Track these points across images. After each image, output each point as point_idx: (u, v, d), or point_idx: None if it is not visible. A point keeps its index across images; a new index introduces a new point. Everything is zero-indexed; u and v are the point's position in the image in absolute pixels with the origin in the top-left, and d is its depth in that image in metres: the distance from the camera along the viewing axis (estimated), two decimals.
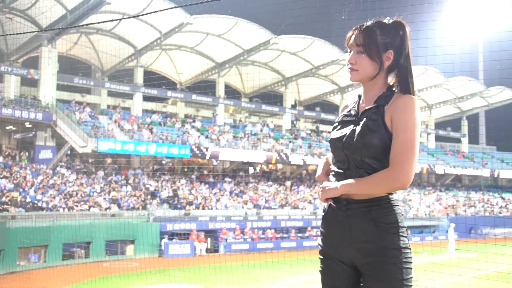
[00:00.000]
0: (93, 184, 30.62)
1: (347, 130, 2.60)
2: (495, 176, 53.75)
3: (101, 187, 30.59)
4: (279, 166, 43.76)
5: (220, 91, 42.42)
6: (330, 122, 50.11)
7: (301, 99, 50.80)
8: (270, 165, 43.07)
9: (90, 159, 33.39)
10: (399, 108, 2.49)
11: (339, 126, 2.68)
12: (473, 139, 62.77)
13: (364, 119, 2.56)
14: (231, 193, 35.54)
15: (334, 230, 2.61)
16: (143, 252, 25.95)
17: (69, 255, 24.44)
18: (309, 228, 32.81)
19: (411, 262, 2.50)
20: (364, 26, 2.61)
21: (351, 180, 2.49)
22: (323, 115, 48.81)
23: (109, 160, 34.07)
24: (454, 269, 19.27)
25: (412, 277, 2.50)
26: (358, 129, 2.55)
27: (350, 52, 2.65)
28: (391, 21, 2.62)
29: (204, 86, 42.21)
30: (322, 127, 50.18)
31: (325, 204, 2.66)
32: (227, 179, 37.86)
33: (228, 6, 33.94)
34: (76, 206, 27.39)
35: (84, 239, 24.59)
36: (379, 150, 2.50)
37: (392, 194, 2.56)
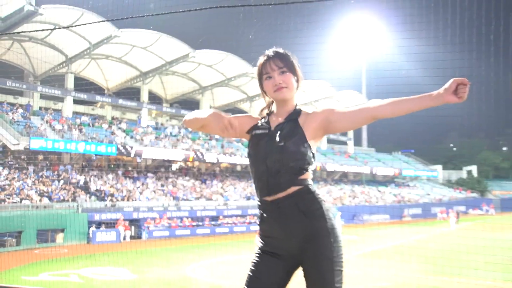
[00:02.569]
0: (25, 178, 28.97)
1: (265, 141, 2.62)
2: (374, 173, 56.10)
3: (32, 182, 29.01)
4: (196, 163, 43.43)
5: (144, 97, 41.58)
6: None
7: (215, 106, 50.64)
8: (188, 163, 42.65)
9: (23, 155, 31.59)
10: (324, 111, 2.63)
11: (254, 140, 2.67)
12: (357, 142, 65.34)
13: (280, 129, 2.61)
14: (153, 186, 34.88)
15: (273, 229, 2.59)
16: (72, 240, 24.82)
17: (0, 243, 22.91)
18: (221, 217, 32.82)
19: (340, 241, 2.52)
20: (278, 52, 2.66)
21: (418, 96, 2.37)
22: None
23: (41, 157, 32.38)
24: None
25: (342, 254, 2.52)
26: (276, 137, 2.58)
27: (268, 78, 2.65)
28: (286, 51, 2.69)
29: (129, 92, 41.36)
30: None
31: (259, 212, 2.66)
32: (150, 174, 37.16)
33: (152, 21, 33.36)
34: (8, 198, 25.78)
35: (15, 228, 23.14)
36: (297, 153, 2.54)
37: (310, 183, 2.61)
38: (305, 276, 2.54)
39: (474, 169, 77.19)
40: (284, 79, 2.62)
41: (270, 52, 2.67)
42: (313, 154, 2.62)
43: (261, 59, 2.69)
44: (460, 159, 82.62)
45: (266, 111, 2.80)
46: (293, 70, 2.65)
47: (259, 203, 2.65)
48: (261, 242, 2.66)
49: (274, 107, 2.78)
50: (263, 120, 2.76)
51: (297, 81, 2.68)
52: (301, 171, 2.57)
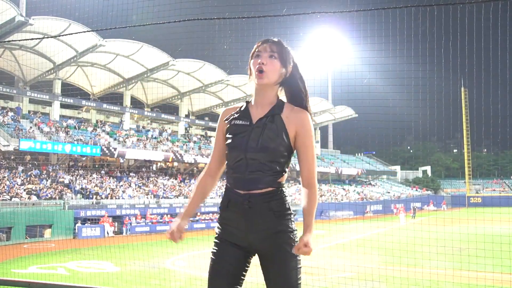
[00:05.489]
0: (14, 178, 28.35)
1: (246, 136, 2.39)
2: (339, 172, 56.60)
3: (22, 180, 28.41)
4: (175, 164, 43.17)
5: (127, 101, 41.17)
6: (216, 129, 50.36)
7: (193, 110, 50.50)
8: (168, 163, 42.36)
9: (12, 156, 30.92)
10: (304, 127, 2.39)
11: (234, 131, 2.44)
12: (324, 144, 65.84)
13: (263, 127, 2.37)
14: (135, 185, 34.52)
15: (238, 220, 2.40)
16: (59, 235, 24.37)
17: None
18: (198, 213, 32.63)
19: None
20: (278, 39, 2.43)
21: (309, 222, 2.35)
22: (211, 124, 48.80)
23: (29, 158, 31.75)
24: None
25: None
26: (258, 135, 2.36)
27: (256, 56, 2.42)
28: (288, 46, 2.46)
29: (113, 97, 40.95)
30: (209, 133, 50.34)
31: (224, 198, 2.47)
32: (132, 174, 36.77)
33: (134, 32, 33.04)
34: None
35: (5, 224, 22.63)
36: (279, 154, 2.37)
37: (284, 186, 2.45)
38: (265, 269, 2.43)
39: (428, 169, 78.73)
40: (269, 63, 2.38)
41: (273, 38, 2.44)
42: (291, 154, 2.43)
43: (261, 40, 2.46)
44: (416, 160, 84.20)
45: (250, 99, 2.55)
46: (284, 62, 2.40)
47: (229, 191, 2.45)
48: (220, 229, 2.50)
49: (254, 94, 2.50)
50: (242, 107, 2.51)
51: (284, 74, 2.43)
52: (280, 173, 2.40)
